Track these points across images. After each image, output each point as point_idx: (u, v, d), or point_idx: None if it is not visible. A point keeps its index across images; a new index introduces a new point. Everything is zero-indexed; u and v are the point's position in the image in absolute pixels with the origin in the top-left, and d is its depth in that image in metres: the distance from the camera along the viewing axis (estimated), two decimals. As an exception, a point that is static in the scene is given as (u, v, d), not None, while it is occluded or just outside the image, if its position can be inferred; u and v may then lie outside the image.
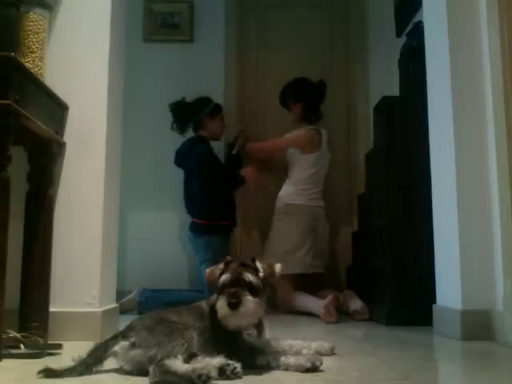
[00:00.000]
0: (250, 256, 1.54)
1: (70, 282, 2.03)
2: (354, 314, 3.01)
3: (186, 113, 3.55)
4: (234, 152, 3.63)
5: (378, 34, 3.93)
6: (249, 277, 1.44)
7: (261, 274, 1.47)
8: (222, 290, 1.44)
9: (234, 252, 3.71)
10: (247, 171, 3.53)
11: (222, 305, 1.41)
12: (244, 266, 1.48)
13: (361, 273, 3.28)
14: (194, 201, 3.46)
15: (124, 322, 1.52)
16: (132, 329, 1.37)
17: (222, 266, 1.50)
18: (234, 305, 1.40)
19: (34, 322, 1.87)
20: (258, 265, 1.49)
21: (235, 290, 1.42)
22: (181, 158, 3.52)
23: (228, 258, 1.53)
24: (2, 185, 1.61)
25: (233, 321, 1.42)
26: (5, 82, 1.58)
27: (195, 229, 3.43)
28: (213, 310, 1.47)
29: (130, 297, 3.21)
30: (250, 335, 1.47)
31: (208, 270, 1.54)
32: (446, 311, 2.29)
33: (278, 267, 1.53)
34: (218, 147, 3.68)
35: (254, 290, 1.44)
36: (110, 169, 2.19)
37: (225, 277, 1.45)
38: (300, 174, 3.48)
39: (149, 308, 3.05)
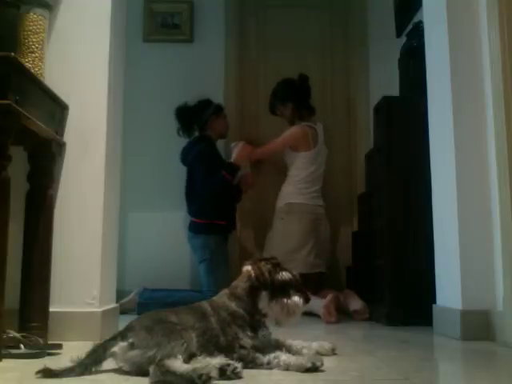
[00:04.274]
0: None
1: (70, 282, 2.03)
2: (354, 314, 3.02)
3: (190, 116, 3.57)
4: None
5: (378, 34, 3.92)
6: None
7: None
8: (283, 288, 1.54)
9: (234, 252, 3.71)
10: (245, 178, 3.54)
11: (298, 301, 1.54)
12: (278, 265, 1.59)
13: (361, 273, 3.28)
14: (193, 199, 3.47)
15: (124, 323, 1.52)
16: (131, 329, 1.37)
17: (263, 263, 1.58)
18: (309, 299, 1.58)
19: (34, 322, 1.87)
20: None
21: (301, 288, 1.58)
22: (184, 156, 3.53)
23: (258, 257, 1.68)
24: (2, 185, 1.60)
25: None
26: (5, 82, 1.58)
27: (193, 228, 3.45)
28: (253, 307, 1.54)
29: (130, 296, 3.22)
30: (265, 336, 1.51)
31: (253, 270, 1.57)
32: (446, 311, 2.29)
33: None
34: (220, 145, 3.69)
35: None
36: (109, 169, 2.19)
37: (286, 275, 1.56)
38: (298, 173, 3.47)
39: (148, 310, 3.07)
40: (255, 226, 3.86)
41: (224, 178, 3.37)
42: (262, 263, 1.58)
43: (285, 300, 1.54)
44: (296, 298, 1.55)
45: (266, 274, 1.54)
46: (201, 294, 3.09)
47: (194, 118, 3.57)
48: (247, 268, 1.59)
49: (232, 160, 3.45)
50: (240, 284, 1.58)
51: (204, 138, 3.54)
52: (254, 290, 1.55)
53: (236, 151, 3.46)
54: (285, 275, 1.56)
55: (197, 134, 3.61)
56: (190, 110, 3.57)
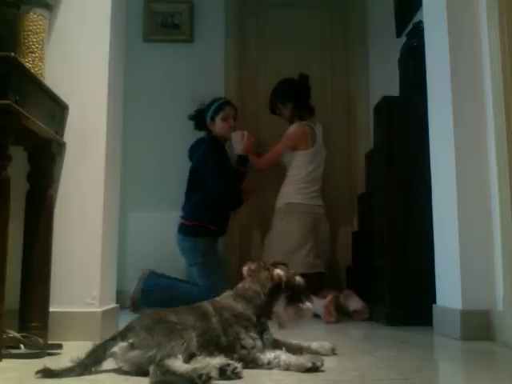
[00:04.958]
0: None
1: (70, 282, 2.03)
2: (354, 314, 3.02)
3: (200, 119, 3.57)
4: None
5: (378, 33, 3.92)
6: None
7: None
8: (298, 292, 1.57)
9: (233, 253, 3.71)
10: (248, 191, 3.55)
11: (311, 306, 1.58)
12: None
13: (361, 273, 3.28)
14: (188, 198, 3.45)
15: (124, 323, 1.52)
16: (131, 329, 1.37)
17: (283, 267, 1.59)
18: (311, 302, 1.62)
19: (34, 322, 1.87)
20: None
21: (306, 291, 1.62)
22: (191, 154, 3.52)
23: (271, 260, 1.68)
24: (2, 185, 1.60)
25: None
26: (5, 81, 1.58)
27: (182, 230, 3.41)
28: (263, 309, 1.54)
29: (135, 286, 3.23)
30: (268, 339, 1.51)
31: (285, 273, 1.57)
32: (446, 311, 2.29)
33: None
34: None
35: None
36: (109, 169, 2.19)
37: (300, 280, 1.59)
38: (297, 172, 3.47)
39: (150, 299, 3.12)
40: (255, 226, 3.86)
41: (239, 170, 3.39)
42: (282, 267, 1.59)
43: (300, 305, 1.56)
44: (309, 304, 1.57)
45: (293, 279, 1.57)
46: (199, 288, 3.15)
47: (202, 121, 3.56)
48: (277, 271, 1.57)
49: (239, 151, 3.44)
50: (251, 286, 1.57)
51: (211, 138, 3.51)
52: (274, 293, 1.55)
53: (242, 142, 3.44)
54: (299, 280, 1.58)
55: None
56: (200, 113, 3.55)
